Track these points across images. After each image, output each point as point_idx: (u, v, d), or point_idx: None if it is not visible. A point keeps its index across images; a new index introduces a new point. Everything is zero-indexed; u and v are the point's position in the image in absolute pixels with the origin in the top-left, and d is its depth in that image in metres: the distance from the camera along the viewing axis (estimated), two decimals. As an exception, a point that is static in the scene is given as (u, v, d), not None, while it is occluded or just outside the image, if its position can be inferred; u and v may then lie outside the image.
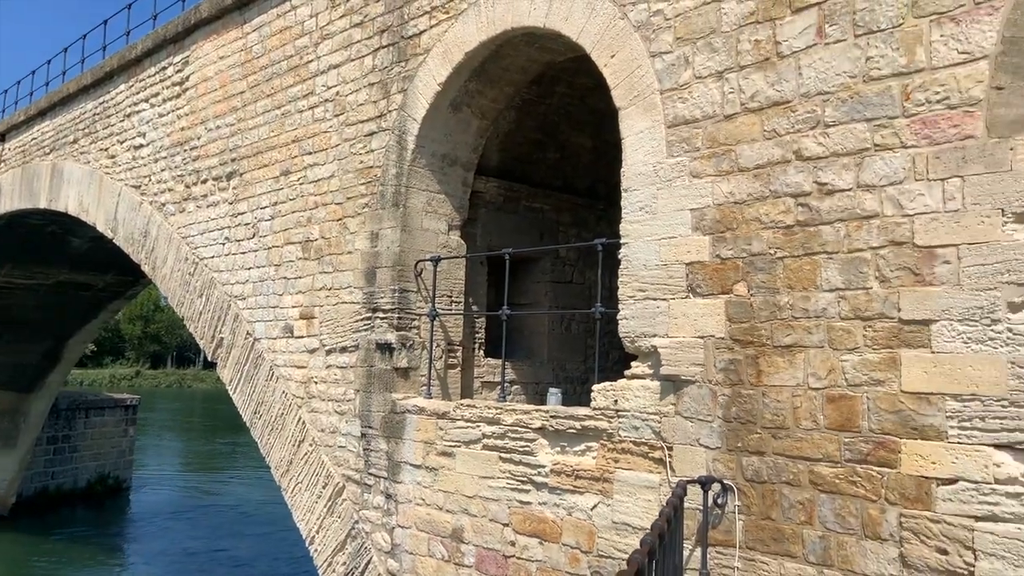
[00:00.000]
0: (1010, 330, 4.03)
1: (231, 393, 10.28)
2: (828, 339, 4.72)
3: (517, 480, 6.43)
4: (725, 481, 5.02)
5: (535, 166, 9.26)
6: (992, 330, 4.09)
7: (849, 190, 4.72)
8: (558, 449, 6.20)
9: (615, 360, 7.80)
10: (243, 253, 10.24)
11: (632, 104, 5.91)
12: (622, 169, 5.97)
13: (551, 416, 6.27)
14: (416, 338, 7.84)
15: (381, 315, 7.89)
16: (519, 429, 6.47)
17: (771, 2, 5.13)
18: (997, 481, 4.01)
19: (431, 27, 7.70)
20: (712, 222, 5.36)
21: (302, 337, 9.02)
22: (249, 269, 10.09)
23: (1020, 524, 3.94)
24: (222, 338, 10.50)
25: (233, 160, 10.60)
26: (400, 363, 7.74)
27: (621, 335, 5.83)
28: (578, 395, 8.63)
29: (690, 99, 5.55)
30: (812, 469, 4.70)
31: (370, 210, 8.24)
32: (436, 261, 7.79)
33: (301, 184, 9.30)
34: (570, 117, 9.17)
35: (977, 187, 4.21)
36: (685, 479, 5.09)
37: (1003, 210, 4.11)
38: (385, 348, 7.79)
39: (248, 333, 9.96)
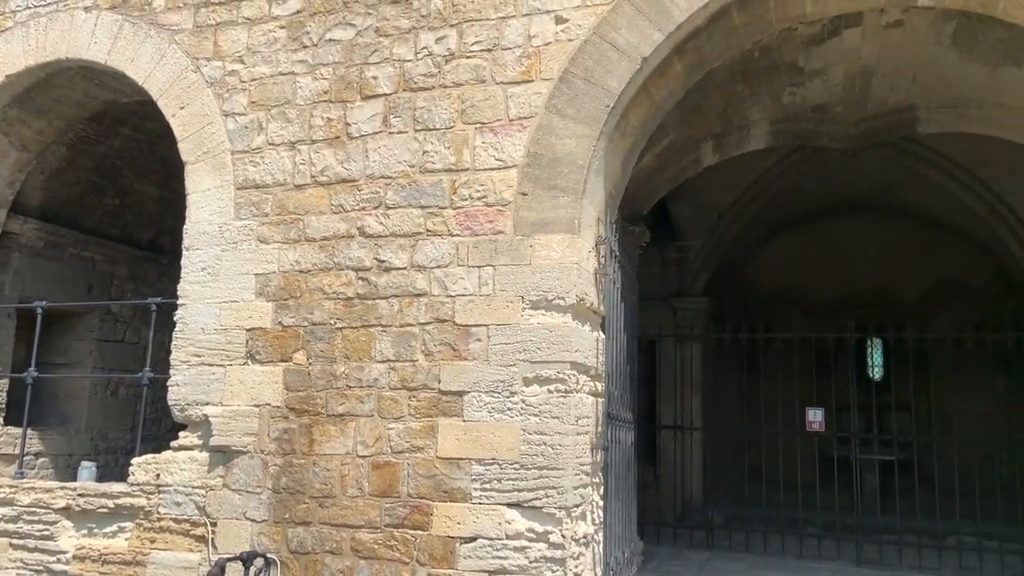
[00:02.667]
0: (524, 401, 4.67)
1: None
2: (378, 408, 4.96)
3: (31, 570, 5.51)
4: (269, 555, 4.90)
5: (89, 211, 8.32)
6: (510, 401, 4.70)
7: (404, 269, 5.09)
8: (85, 531, 5.48)
9: (169, 428, 7.22)
10: None
11: (200, 160, 5.68)
12: (185, 226, 5.68)
13: (79, 494, 5.53)
14: (-96, 403, 6.37)
15: None
16: (38, 510, 5.58)
17: (343, 85, 5.40)
18: (508, 537, 4.56)
19: (-38, 36, 6.56)
20: (276, 289, 5.34)
21: None
22: None
23: (523, 575, 4.50)
24: None
25: None
26: None
27: (170, 403, 5.44)
28: (122, 467, 7.77)
29: (262, 164, 5.53)
30: (354, 536, 4.83)
31: None
32: (-57, 310, 6.47)
33: None
34: (135, 162, 8.46)
35: (505, 276, 4.86)
36: (227, 556, 4.85)
37: (523, 297, 4.80)
38: None
39: None
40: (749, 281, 12.52)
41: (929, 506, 8.71)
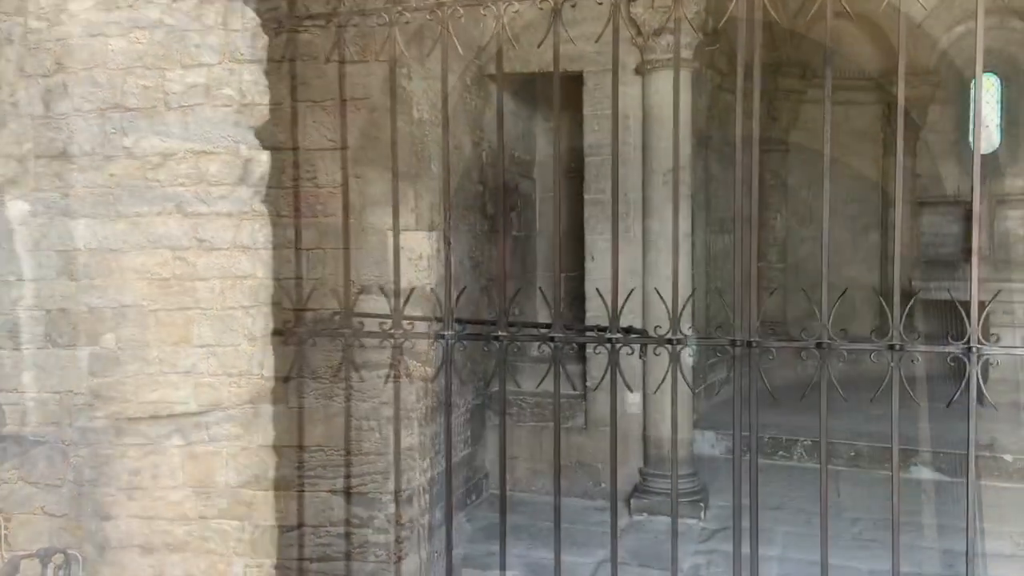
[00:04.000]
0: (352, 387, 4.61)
1: None
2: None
3: None
4: (70, 551, 4.57)
5: None
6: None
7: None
8: None
9: None
10: None
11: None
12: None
13: None
14: None
15: None
16: None
17: None
18: (331, 524, 4.51)
19: None
20: None
21: None
22: None
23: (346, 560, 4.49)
24: None
25: None
26: None
27: None
28: None
29: None
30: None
31: None
32: None
33: None
34: None
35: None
36: (22, 553, 4.48)
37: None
38: None
39: None
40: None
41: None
